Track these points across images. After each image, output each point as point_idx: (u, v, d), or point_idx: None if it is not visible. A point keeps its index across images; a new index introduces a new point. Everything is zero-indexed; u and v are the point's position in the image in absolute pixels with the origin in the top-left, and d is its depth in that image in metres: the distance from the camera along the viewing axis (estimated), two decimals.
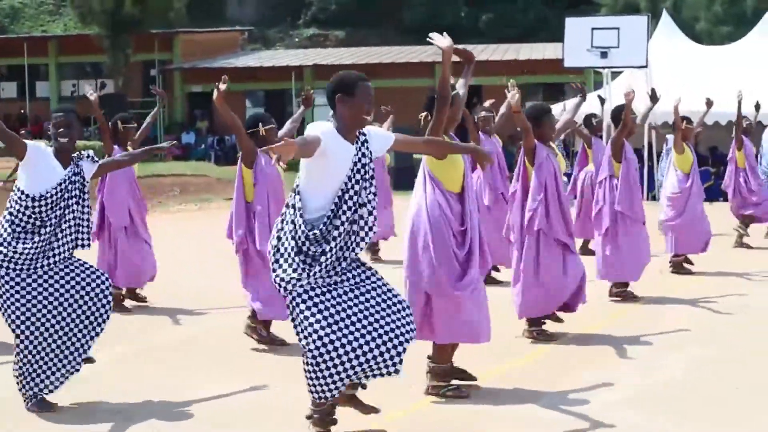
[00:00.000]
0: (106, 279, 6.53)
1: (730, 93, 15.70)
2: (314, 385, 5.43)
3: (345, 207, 5.42)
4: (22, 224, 6.30)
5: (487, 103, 12.15)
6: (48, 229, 6.29)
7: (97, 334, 6.53)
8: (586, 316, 8.89)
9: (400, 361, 5.47)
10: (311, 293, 5.38)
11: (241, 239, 8.04)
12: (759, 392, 6.80)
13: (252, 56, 43.10)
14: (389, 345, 5.42)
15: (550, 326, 8.47)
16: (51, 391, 6.41)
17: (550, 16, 47.98)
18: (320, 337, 5.31)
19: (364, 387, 5.74)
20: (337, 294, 5.43)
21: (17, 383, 6.41)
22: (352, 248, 5.49)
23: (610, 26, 21.95)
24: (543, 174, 8.15)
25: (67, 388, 6.50)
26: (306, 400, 5.65)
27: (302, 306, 5.37)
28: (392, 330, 5.45)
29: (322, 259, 5.38)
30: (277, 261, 5.48)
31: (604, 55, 21.50)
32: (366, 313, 5.44)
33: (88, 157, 6.56)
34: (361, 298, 5.48)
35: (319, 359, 5.32)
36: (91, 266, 6.55)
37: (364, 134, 5.59)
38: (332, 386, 5.40)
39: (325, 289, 5.41)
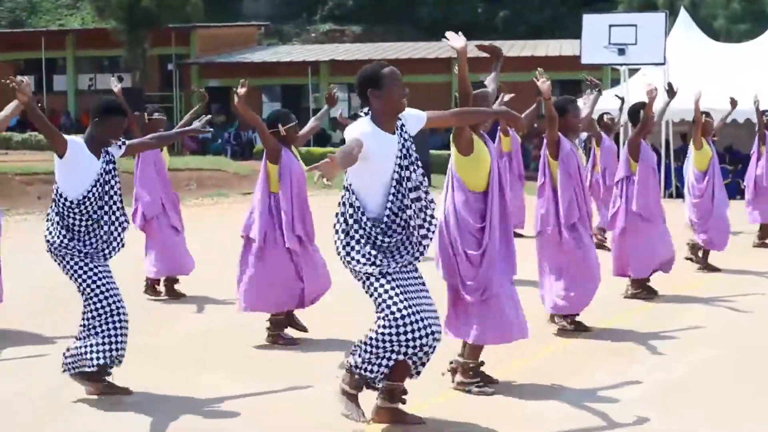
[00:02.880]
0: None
1: (748, 91, 15.64)
2: (369, 361, 5.58)
3: (406, 197, 5.55)
4: (77, 226, 6.41)
5: (507, 97, 12.17)
6: (103, 227, 6.43)
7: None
8: (602, 313, 8.88)
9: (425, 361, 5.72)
10: (388, 275, 5.55)
11: (263, 236, 8.04)
12: None
13: (268, 51, 43.12)
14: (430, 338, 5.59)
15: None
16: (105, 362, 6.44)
17: (566, 13, 47.86)
18: (399, 310, 5.49)
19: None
20: (407, 277, 5.62)
21: (74, 360, 6.42)
22: (423, 228, 5.64)
23: (628, 23, 21.89)
24: (569, 166, 8.13)
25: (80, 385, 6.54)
26: (317, 398, 5.67)
27: (377, 284, 5.54)
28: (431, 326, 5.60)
29: (402, 248, 5.58)
30: (350, 245, 5.59)
31: (621, 52, 21.44)
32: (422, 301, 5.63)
33: (118, 142, 6.61)
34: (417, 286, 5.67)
35: (393, 333, 5.48)
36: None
37: (400, 119, 5.65)
38: (385, 363, 5.58)
39: (399, 273, 5.59)
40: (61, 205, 6.43)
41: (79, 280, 6.40)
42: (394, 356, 5.56)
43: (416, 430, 5.80)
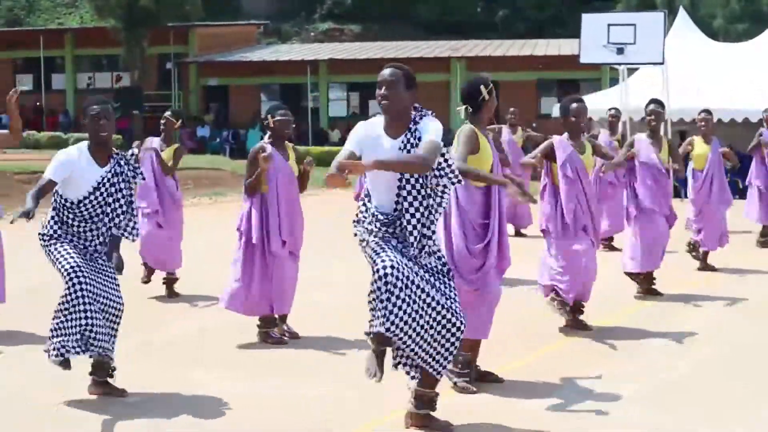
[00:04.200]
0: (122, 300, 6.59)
1: (746, 90, 15.64)
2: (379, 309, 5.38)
3: (410, 197, 5.50)
4: (69, 221, 6.38)
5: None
6: (101, 229, 6.40)
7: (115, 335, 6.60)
8: (602, 312, 8.87)
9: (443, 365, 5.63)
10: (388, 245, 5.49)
11: (258, 234, 8.03)
12: None
13: (267, 50, 43.14)
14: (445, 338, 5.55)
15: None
16: (75, 353, 6.32)
17: (565, 12, 47.89)
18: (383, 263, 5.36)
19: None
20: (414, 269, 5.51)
21: (53, 334, 6.33)
22: (427, 226, 5.56)
23: (627, 23, 21.84)
24: (567, 170, 8.20)
25: (80, 380, 6.53)
26: (310, 397, 5.66)
27: (374, 246, 5.48)
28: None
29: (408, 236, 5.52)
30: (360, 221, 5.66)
31: (620, 51, 21.39)
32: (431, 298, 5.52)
33: (133, 165, 6.52)
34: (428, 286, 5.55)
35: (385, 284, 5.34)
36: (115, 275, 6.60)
37: (417, 122, 5.58)
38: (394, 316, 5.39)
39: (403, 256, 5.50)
40: (59, 202, 6.41)
41: (57, 264, 6.33)
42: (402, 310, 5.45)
43: None
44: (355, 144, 5.52)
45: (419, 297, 5.45)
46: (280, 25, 53.51)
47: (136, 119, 35.16)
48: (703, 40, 26.65)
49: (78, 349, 6.30)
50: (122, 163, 6.49)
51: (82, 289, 6.25)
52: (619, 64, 21.97)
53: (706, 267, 11.93)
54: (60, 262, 6.33)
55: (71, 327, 6.28)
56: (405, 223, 5.54)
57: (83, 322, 6.27)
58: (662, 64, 21.07)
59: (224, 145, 36.42)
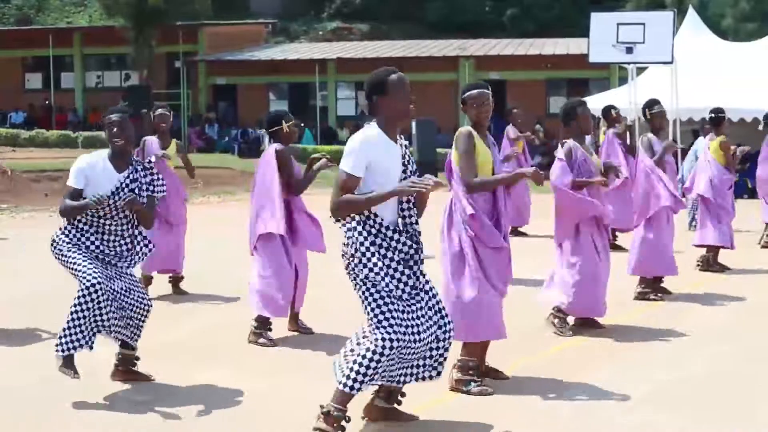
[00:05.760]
0: (148, 298, 6.77)
1: (755, 90, 15.59)
2: (358, 371, 5.37)
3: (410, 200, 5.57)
4: (87, 229, 6.47)
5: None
6: (107, 235, 6.51)
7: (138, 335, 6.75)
8: (611, 312, 8.86)
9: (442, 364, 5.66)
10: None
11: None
12: None
13: (276, 49, 43.13)
14: (434, 347, 5.56)
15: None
16: (80, 347, 6.41)
17: (573, 11, 47.79)
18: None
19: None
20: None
21: (66, 331, 6.35)
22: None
23: (636, 21, 21.83)
24: (582, 174, 8.20)
25: (84, 379, 6.54)
26: (309, 397, 5.67)
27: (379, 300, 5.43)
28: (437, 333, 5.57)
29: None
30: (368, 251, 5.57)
31: (629, 50, 21.37)
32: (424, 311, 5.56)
33: (150, 173, 6.61)
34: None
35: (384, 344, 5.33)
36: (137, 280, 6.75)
37: (401, 137, 5.65)
38: (371, 376, 5.40)
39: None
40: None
41: (72, 267, 6.42)
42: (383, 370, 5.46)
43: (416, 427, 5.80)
44: (365, 146, 5.47)
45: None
46: (289, 24, 53.52)
47: (145, 118, 35.19)
48: (713, 40, 26.61)
49: (83, 343, 6.42)
50: (139, 169, 6.62)
51: (96, 291, 6.33)
52: (628, 63, 21.94)
53: (715, 264, 11.88)
54: (75, 266, 6.43)
55: (81, 325, 6.37)
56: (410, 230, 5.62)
57: (94, 320, 6.40)
58: (671, 63, 21.05)
59: (233, 143, 36.42)
